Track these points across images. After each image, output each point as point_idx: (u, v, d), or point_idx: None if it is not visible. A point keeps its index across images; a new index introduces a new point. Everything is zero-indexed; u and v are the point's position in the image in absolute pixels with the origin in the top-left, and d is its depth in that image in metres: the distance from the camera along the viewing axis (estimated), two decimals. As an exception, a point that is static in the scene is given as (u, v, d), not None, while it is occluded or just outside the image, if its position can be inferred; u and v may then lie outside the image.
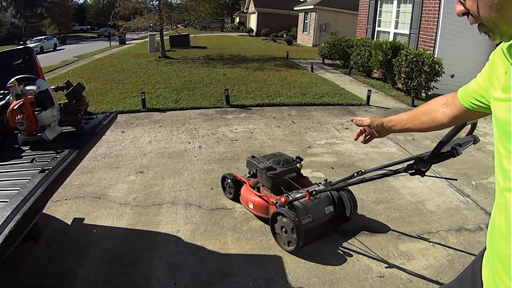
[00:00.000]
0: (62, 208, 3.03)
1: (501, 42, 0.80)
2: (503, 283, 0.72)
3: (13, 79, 1.87)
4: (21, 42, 29.02)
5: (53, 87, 2.08)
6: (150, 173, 3.72)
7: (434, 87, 6.78)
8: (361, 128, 1.41)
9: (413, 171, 1.55)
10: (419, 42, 7.78)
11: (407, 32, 8.27)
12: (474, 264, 0.96)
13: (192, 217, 2.89)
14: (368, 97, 6.69)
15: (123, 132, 5.09)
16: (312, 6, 21.14)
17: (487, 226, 0.85)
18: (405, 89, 7.29)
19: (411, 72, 6.92)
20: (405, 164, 1.67)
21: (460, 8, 0.78)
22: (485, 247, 0.87)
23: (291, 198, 2.47)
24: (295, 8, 24.73)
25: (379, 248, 2.49)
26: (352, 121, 1.44)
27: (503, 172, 0.74)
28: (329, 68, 11.43)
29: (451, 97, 1.14)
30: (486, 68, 0.93)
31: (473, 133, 1.49)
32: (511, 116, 0.70)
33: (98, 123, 2.24)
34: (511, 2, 0.68)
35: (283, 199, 2.44)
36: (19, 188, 1.42)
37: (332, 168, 3.87)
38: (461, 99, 1.08)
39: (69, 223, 2.83)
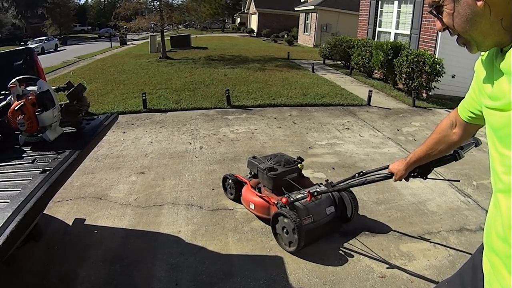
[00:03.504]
0: (63, 208, 3.04)
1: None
2: (503, 277, 0.76)
3: (14, 80, 1.87)
4: (22, 43, 29.13)
5: (54, 87, 2.08)
6: (151, 174, 3.72)
7: (435, 87, 6.76)
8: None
9: (415, 174, 1.54)
10: (420, 43, 7.77)
11: (408, 32, 8.26)
12: (474, 257, 1.00)
13: (193, 217, 2.89)
14: (369, 97, 6.68)
15: (124, 132, 5.10)
16: (313, 7, 21.16)
17: None
18: (406, 89, 7.28)
19: (412, 72, 6.90)
20: None
21: (439, 24, 0.84)
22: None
23: (292, 199, 2.47)
24: (296, 9, 24.74)
25: (380, 248, 2.49)
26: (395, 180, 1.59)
27: (494, 174, 0.79)
28: (330, 68, 11.42)
29: (454, 116, 1.19)
30: (474, 79, 0.98)
31: (475, 136, 1.49)
32: (504, 122, 0.73)
33: (99, 123, 2.24)
34: (484, 17, 0.74)
35: (284, 200, 2.44)
36: (20, 189, 1.42)
37: (333, 168, 3.86)
38: (461, 114, 1.13)
39: (70, 223, 2.84)
